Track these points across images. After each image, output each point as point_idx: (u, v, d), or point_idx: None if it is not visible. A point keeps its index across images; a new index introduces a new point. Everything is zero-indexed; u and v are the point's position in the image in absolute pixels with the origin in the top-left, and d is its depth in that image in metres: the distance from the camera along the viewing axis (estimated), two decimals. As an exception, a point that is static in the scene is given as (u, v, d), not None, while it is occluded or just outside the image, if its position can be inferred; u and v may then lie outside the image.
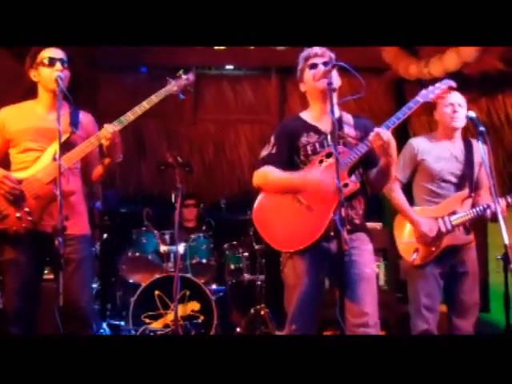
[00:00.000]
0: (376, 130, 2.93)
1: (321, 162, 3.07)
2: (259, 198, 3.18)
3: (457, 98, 3.90)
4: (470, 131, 4.00)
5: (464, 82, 5.55)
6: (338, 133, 3.03)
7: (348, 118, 3.23)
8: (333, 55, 3.15)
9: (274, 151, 3.15)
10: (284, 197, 3.07)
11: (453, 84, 3.12)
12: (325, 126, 3.14)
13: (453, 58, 5.32)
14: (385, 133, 2.89)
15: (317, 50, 3.18)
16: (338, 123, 3.08)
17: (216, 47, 7.19)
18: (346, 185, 2.93)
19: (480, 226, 4.82)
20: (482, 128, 3.38)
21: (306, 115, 3.25)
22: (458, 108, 3.86)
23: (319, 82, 3.09)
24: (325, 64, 3.11)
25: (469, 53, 5.13)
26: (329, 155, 3.05)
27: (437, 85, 3.11)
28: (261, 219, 3.13)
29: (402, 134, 6.41)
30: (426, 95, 3.08)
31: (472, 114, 3.71)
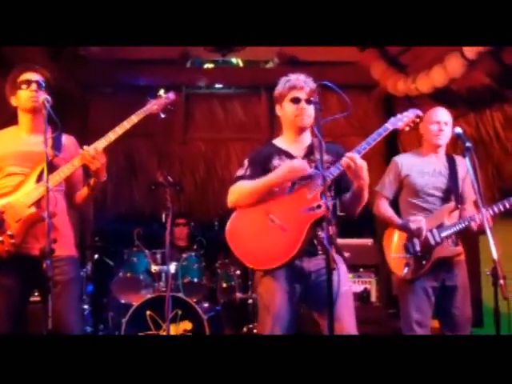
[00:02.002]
0: (347, 154, 2.98)
1: (293, 184, 3.12)
2: (232, 216, 3.23)
3: (443, 115, 3.98)
4: (459, 147, 4.03)
5: (452, 97, 5.65)
6: (310, 157, 3.15)
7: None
8: (314, 86, 3.15)
9: (247, 173, 3.22)
10: (257, 216, 3.11)
11: (419, 113, 3.22)
12: (297, 151, 3.22)
13: (440, 74, 5.36)
14: (357, 157, 2.95)
15: (302, 82, 3.20)
16: (310, 149, 3.20)
17: (205, 66, 7.26)
18: (319, 206, 2.95)
19: (472, 240, 4.84)
20: (468, 144, 3.41)
21: (278, 141, 3.32)
22: (443, 126, 3.94)
23: (298, 119, 3.18)
24: (307, 102, 3.15)
25: (456, 68, 5.17)
26: (301, 178, 3.10)
27: (405, 113, 3.21)
28: (233, 237, 3.15)
29: (392, 149, 6.47)
30: (395, 123, 3.17)
31: (459, 129, 3.75)
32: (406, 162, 4.05)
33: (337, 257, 3.12)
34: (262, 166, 3.19)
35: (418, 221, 3.86)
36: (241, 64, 7.44)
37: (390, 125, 3.15)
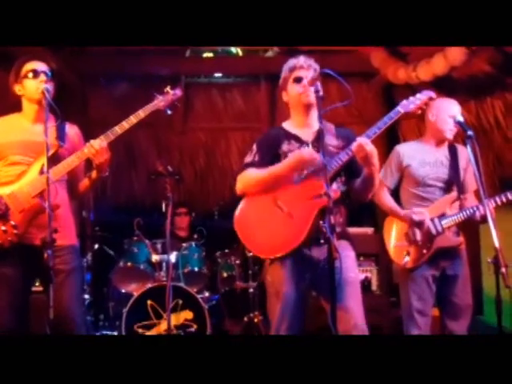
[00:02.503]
0: (358, 140, 2.95)
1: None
2: (240, 204, 3.20)
3: (459, 110, 3.88)
4: (459, 135, 4.00)
5: (453, 85, 5.62)
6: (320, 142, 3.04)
7: (330, 127, 3.25)
8: (318, 67, 3.15)
9: (256, 158, 3.19)
10: (265, 203, 3.08)
11: (433, 95, 3.15)
12: (306, 135, 3.18)
13: (441, 62, 5.32)
14: (367, 143, 2.92)
15: (302, 62, 3.20)
16: (319, 133, 3.08)
17: (205, 55, 7.22)
18: (326, 193, 2.93)
19: (472, 228, 4.83)
20: (470, 132, 3.39)
21: (287, 125, 3.29)
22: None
23: (303, 96, 3.13)
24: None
25: (457, 56, 5.14)
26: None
27: (417, 95, 3.15)
28: (241, 225, 3.14)
29: (392, 137, 6.45)
30: (406, 106, 3.11)
31: (460, 118, 3.73)
32: (407, 151, 4.01)
33: (345, 243, 3.13)
34: (271, 151, 3.17)
35: (422, 213, 3.83)
36: (240, 53, 7.40)
37: (402, 108, 3.09)
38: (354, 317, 2.95)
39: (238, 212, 3.18)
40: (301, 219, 2.99)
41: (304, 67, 3.18)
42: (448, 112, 3.87)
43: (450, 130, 3.89)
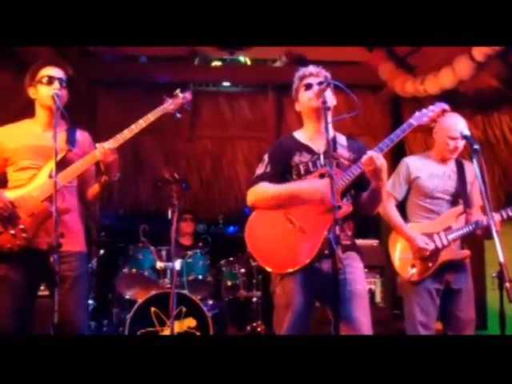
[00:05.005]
0: (369, 153, 2.90)
1: None
2: (251, 217, 3.15)
3: (464, 125, 3.84)
4: (466, 149, 4.00)
5: (460, 99, 5.64)
6: (332, 153, 2.98)
7: (342, 138, 3.23)
8: (328, 74, 3.15)
9: (268, 170, 3.14)
10: (276, 217, 3.04)
11: (446, 107, 3.12)
12: (318, 145, 3.14)
13: (448, 76, 5.35)
14: (378, 157, 2.87)
15: (312, 69, 3.19)
16: (332, 143, 3.06)
17: (213, 64, 7.25)
18: (339, 207, 2.88)
19: (477, 242, 4.83)
20: (476, 146, 3.39)
21: (299, 135, 3.24)
22: (459, 143, 3.86)
23: (313, 101, 3.07)
24: (320, 84, 3.08)
25: (464, 71, 5.16)
26: (322, 176, 3.04)
27: (430, 107, 3.11)
28: (252, 239, 3.09)
29: (398, 151, 6.45)
30: (419, 118, 3.08)
31: (466, 131, 3.73)
32: (415, 163, 4.02)
33: (354, 255, 3.10)
34: (282, 162, 3.13)
35: (428, 244, 3.81)
36: (248, 62, 7.42)
37: (415, 120, 3.06)
38: (360, 330, 2.92)
39: (248, 225, 3.13)
40: (313, 234, 2.94)
41: (313, 74, 3.17)
42: (448, 133, 3.86)
43: (449, 151, 3.90)
